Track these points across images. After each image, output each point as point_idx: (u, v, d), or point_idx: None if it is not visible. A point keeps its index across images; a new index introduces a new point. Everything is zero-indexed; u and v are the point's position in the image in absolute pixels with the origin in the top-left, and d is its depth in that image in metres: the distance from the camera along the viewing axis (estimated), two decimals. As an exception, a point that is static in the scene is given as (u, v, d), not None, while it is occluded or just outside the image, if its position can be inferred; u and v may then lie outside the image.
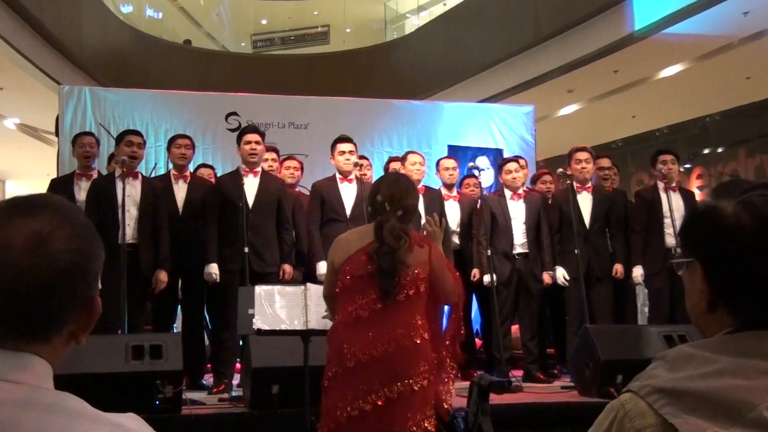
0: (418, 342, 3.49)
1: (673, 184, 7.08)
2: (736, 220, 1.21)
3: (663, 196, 6.99)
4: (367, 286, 3.52)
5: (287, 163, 7.52)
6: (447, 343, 3.76)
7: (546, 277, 7.03)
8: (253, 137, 6.41)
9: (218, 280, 6.19)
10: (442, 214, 7.09)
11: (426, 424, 3.45)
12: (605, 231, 7.14)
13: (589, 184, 7.16)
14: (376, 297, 3.50)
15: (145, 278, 6.27)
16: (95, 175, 6.92)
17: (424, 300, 3.61)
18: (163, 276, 6.25)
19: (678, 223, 6.73)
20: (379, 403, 3.38)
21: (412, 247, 3.58)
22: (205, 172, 7.48)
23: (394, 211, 3.62)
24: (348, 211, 6.60)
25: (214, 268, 6.20)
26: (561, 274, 6.98)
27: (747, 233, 1.20)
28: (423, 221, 4.00)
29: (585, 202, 7.08)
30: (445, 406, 3.67)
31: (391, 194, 3.67)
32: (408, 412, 3.41)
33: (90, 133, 7.41)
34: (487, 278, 6.92)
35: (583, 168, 7.08)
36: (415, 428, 3.40)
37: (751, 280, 1.20)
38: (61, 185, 6.86)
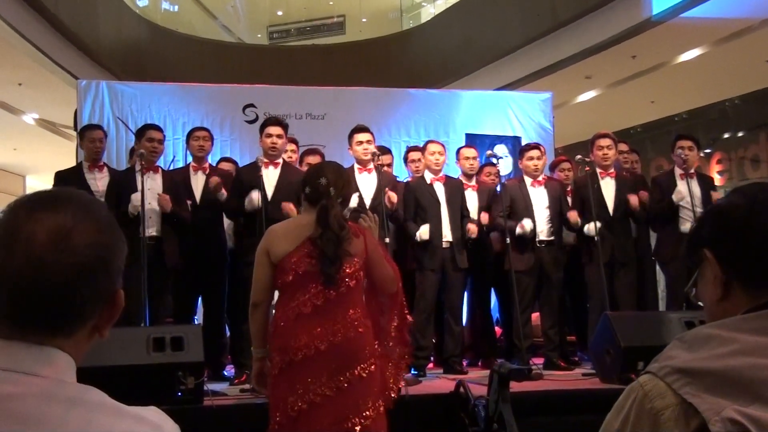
0: (361, 330, 3.49)
1: (691, 171, 7.03)
2: (729, 201, 1.34)
3: (680, 182, 6.95)
4: (309, 281, 3.49)
5: (309, 158, 7.29)
6: (393, 334, 3.73)
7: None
8: (275, 130, 6.39)
9: (259, 205, 6.12)
10: (463, 203, 7.08)
11: (378, 405, 3.47)
12: (628, 217, 7.09)
13: (612, 170, 7.12)
14: (318, 291, 3.47)
15: (169, 270, 6.31)
16: (105, 168, 6.94)
17: (362, 289, 3.60)
18: (168, 197, 6.27)
19: (697, 209, 6.70)
20: (329, 393, 3.38)
21: (351, 236, 3.56)
22: (226, 167, 7.45)
23: (336, 197, 3.60)
24: (368, 201, 6.59)
25: (253, 193, 6.16)
26: (592, 226, 6.83)
27: (740, 209, 1.31)
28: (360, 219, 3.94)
29: (608, 188, 7.03)
30: (392, 394, 3.65)
31: (335, 181, 3.64)
32: (359, 399, 3.42)
33: (98, 126, 7.33)
34: (528, 223, 6.92)
35: (605, 155, 7.04)
36: (368, 413, 3.41)
37: (752, 248, 1.28)
38: (69, 177, 6.76)
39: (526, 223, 6.90)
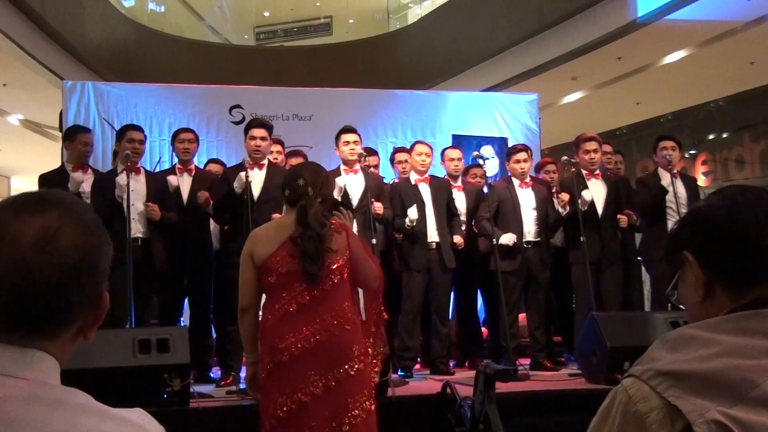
0: (348, 328, 3.50)
1: (675, 171, 7.05)
2: (708, 203, 1.35)
3: (665, 182, 6.97)
4: (293, 280, 3.49)
5: (291, 160, 7.26)
6: (373, 330, 3.75)
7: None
8: (259, 132, 6.37)
9: (249, 180, 6.10)
10: (450, 203, 7.08)
11: (367, 404, 3.47)
12: (615, 217, 7.12)
13: (598, 171, 7.13)
14: (303, 290, 3.48)
15: (155, 272, 6.29)
16: (90, 170, 6.89)
17: (348, 286, 3.61)
18: (156, 207, 6.27)
19: (682, 209, 6.73)
20: (318, 392, 3.38)
21: (333, 233, 3.58)
22: (214, 168, 7.42)
23: (315, 197, 3.62)
24: (354, 202, 6.58)
25: (241, 173, 6.17)
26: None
27: (720, 212, 1.32)
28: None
29: (596, 188, 7.04)
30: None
31: (313, 181, 3.67)
32: (348, 397, 3.42)
33: (88, 129, 7.29)
34: (511, 237, 6.90)
35: (591, 158, 7.05)
36: (357, 411, 3.41)
37: (732, 249, 1.30)
38: (54, 180, 6.65)
39: (508, 238, 6.89)
